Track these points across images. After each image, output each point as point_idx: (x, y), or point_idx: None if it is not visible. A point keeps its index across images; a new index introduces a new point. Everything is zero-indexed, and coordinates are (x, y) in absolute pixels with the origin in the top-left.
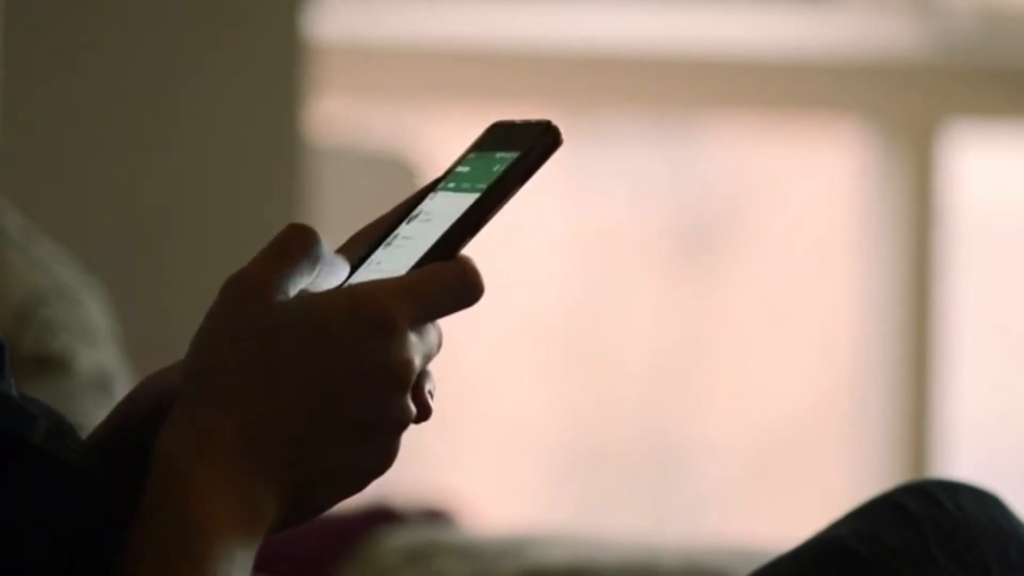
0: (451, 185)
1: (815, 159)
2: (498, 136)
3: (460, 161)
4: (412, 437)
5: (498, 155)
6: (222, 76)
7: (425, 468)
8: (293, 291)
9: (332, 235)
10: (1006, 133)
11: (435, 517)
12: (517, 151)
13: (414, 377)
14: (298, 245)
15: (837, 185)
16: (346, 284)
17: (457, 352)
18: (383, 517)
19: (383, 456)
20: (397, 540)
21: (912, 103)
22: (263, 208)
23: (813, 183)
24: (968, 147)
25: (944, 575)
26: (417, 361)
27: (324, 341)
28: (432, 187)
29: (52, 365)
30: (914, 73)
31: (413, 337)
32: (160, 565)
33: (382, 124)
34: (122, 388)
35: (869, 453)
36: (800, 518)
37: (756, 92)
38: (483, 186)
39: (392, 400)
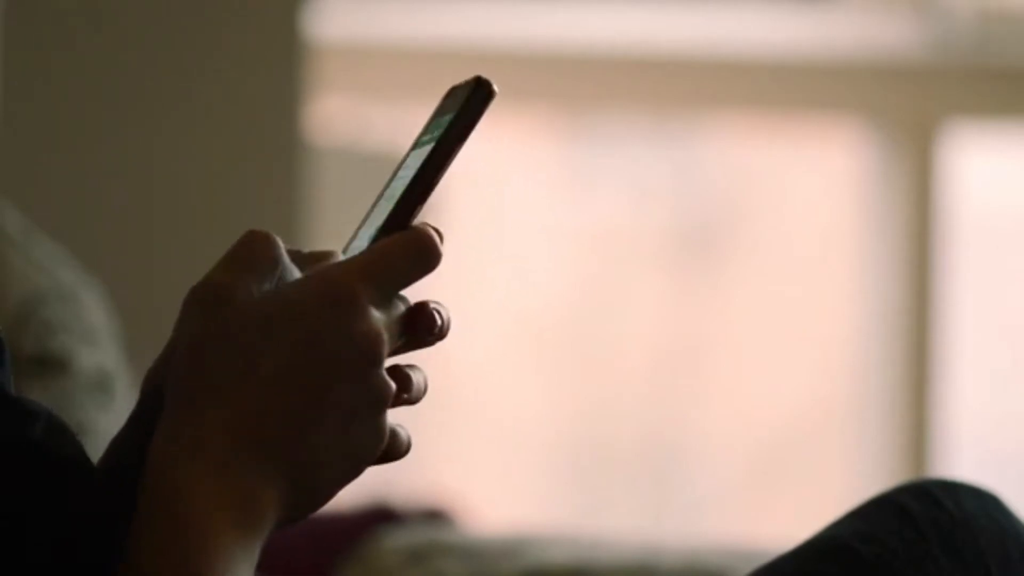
0: (412, 154)
1: (815, 159)
2: (449, 99)
3: (424, 131)
4: (412, 437)
5: (444, 118)
6: (222, 76)
7: (425, 468)
8: (257, 293)
9: (332, 235)
10: (1006, 133)
11: (435, 517)
12: (453, 112)
13: (384, 349)
14: (258, 250)
15: (837, 185)
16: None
17: (457, 352)
18: (383, 517)
19: (374, 435)
20: (397, 540)
21: (912, 103)
22: (263, 208)
23: (813, 183)
24: (968, 147)
25: (944, 575)
26: (385, 334)
27: (290, 328)
28: (401, 164)
29: (52, 365)
30: (914, 73)
31: (376, 311)
32: (157, 566)
33: (382, 124)
34: (122, 388)
35: (869, 453)
36: (800, 518)
37: (756, 92)
38: (425, 153)
39: (367, 375)
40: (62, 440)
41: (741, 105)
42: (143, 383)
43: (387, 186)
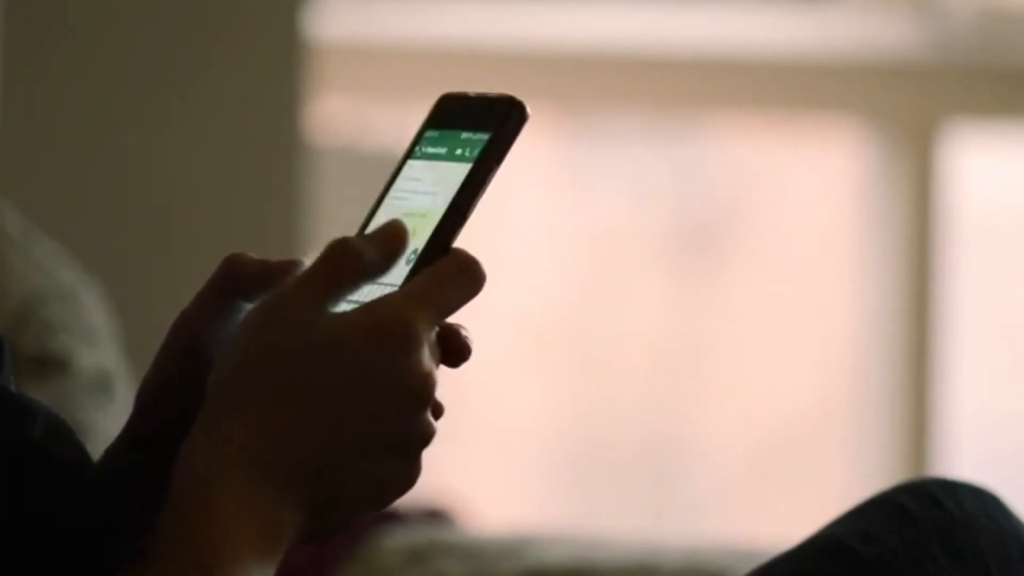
0: (419, 169)
1: (815, 159)
2: (455, 112)
3: (419, 140)
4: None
5: (463, 135)
6: (222, 76)
7: (425, 468)
8: (333, 309)
9: (332, 235)
10: (1006, 133)
11: (435, 517)
12: (485, 132)
13: (435, 391)
14: (345, 266)
15: (837, 185)
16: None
17: None
18: (383, 517)
19: (409, 472)
20: (397, 540)
21: (912, 103)
22: (263, 208)
23: (813, 183)
24: (968, 147)
25: (944, 575)
26: (435, 372)
27: (348, 360)
28: (397, 170)
29: (52, 365)
30: (914, 73)
31: (428, 348)
32: (175, 569)
33: (382, 124)
34: (122, 388)
35: (869, 453)
36: (800, 518)
37: (756, 92)
38: (461, 174)
39: (416, 415)
40: (62, 440)
41: (741, 105)
42: (138, 393)
43: (384, 193)
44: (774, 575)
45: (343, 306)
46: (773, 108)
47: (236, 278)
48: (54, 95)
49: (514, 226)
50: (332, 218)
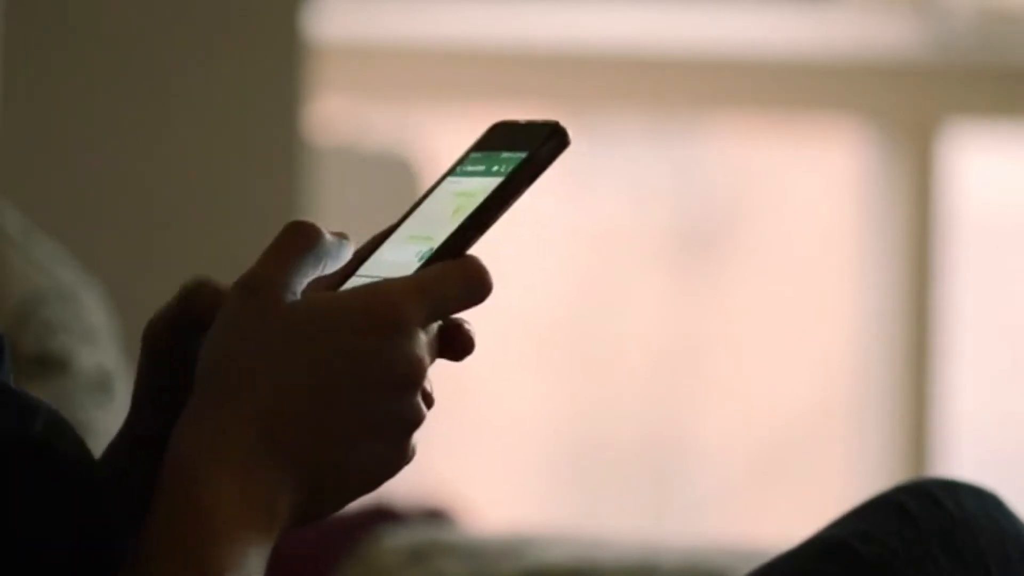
0: (455, 184)
1: (815, 159)
2: (502, 136)
3: (462, 160)
4: (414, 436)
5: (504, 155)
6: (222, 76)
7: (425, 468)
8: (299, 287)
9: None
10: (1006, 133)
11: (435, 517)
12: (524, 151)
13: (425, 376)
14: (301, 242)
15: (837, 185)
16: (353, 284)
17: None
18: (383, 517)
19: (397, 455)
20: (397, 540)
21: (912, 103)
22: (263, 208)
23: (813, 183)
24: (968, 147)
25: (944, 575)
26: (427, 360)
27: (338, 341)
28: (435, 186)
29: (52, 365)
30: (914, 73)
31: (423, 336)
32: (172, 565)
33: (383, 123)
34: (122, 388)
35: (869, 453)
36: (800, 518)
37: (756, 92)
38: (490, 186)
39: (404, 399)
40: (63, 436)
41: (741, 105)
42: (133, 393)
43: (417, 206)
44: (774, 575)
45: (354, 281)
46: (773, 108)
47: (193, 312)
48: (54, 95)
49: (514, 226)
50: (332, 218)
